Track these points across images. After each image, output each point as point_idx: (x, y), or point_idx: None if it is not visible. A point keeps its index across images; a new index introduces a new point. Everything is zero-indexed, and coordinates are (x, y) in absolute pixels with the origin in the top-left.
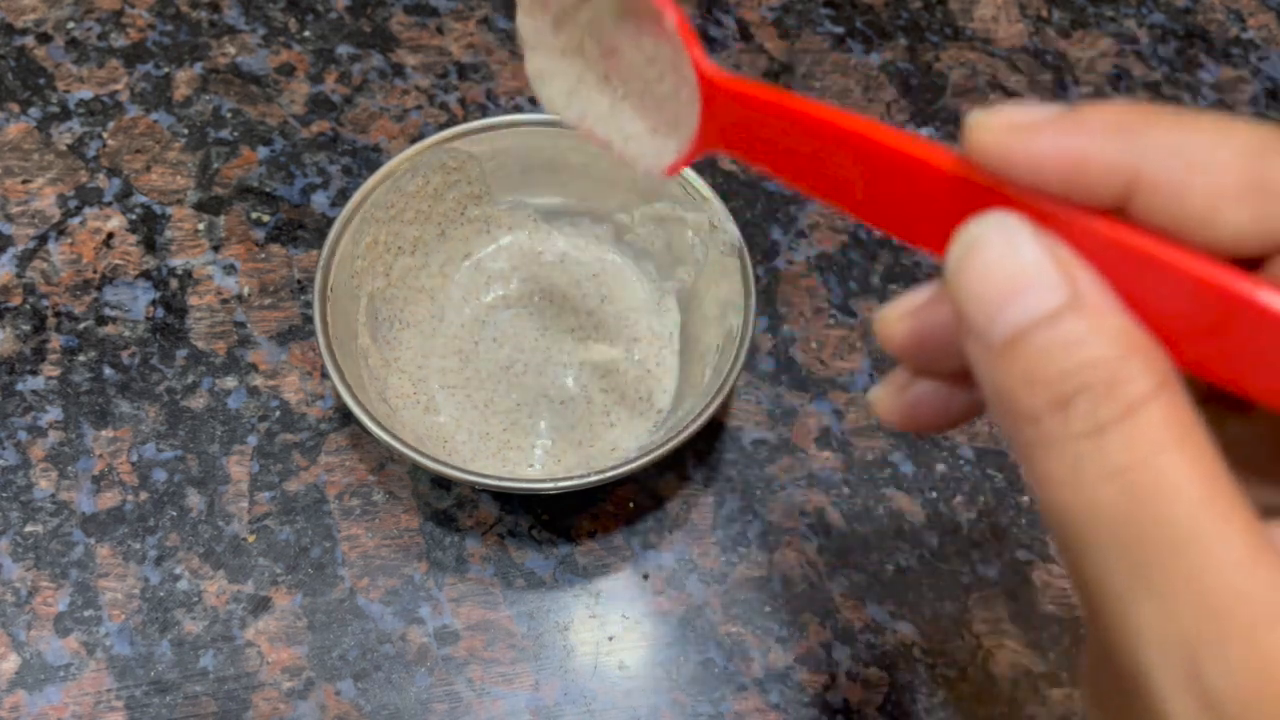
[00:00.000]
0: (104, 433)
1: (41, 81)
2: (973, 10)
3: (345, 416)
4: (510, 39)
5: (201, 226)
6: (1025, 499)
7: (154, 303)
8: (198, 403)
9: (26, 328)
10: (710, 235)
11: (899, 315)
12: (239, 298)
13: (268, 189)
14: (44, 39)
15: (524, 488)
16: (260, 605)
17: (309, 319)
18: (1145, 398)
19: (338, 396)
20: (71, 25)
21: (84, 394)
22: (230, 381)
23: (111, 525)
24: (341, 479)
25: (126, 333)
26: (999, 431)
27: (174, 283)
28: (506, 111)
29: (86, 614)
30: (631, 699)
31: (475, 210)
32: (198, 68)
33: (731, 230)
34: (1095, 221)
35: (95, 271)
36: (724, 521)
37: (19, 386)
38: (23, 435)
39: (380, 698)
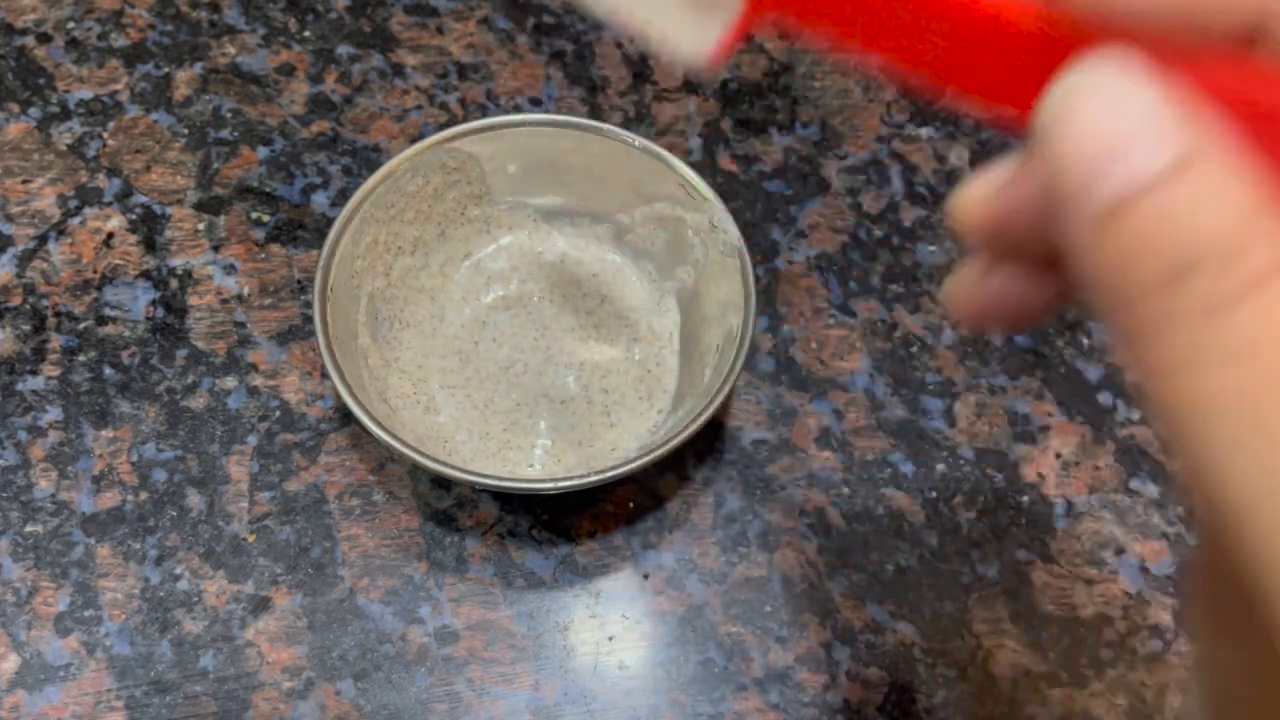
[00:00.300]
0: (104, 433)
1: (41, 81)
2: None
3: (345, 416)
4: (510, 39)
5: (201, 226)
6: (1025, 499)
7: (154, 303)
8: (198, 403)
9: (26, 328)
10: (710, 235)
11: (979, 195)
12: (239, 298)
13: (268, 189)
14: (44, 39)
15: (524, 488)
16: (260, 605)
17: (309, 319)
18: (1276, 269)
19: (338, 396)
20: (71, 25)
21: (84, 394)
22: (230, 381)
23: (111, 525)
24: (341, 479)
25: (126, 333)
26: (998, 432)
27: (174, 283)
28: (506, 111)
29: (86, 614)
30: (631, 699)
31: (475, 210)
32: (198, 68)
33: (731, 230)
34: (1217, 64)
35: (95, 271)
36: (724, 521)
37: (19, 386)
38: (23, 435)
39: (380, 698)
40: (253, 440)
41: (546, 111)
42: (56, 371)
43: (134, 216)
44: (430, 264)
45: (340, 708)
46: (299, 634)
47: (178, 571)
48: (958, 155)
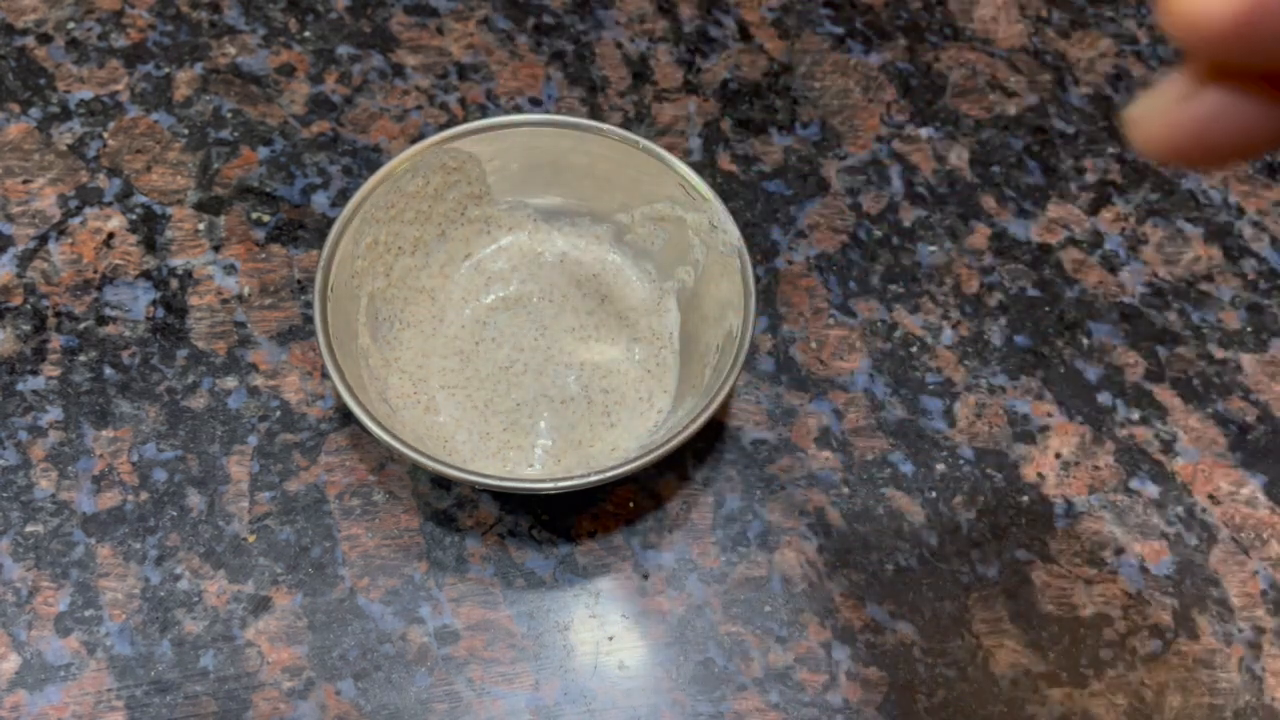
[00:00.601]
0: (104, 433)
1: (42, 82)
2: (972, 10)
3: (345, 416)
4: (510, 39)
5: (202, 226)
6: (1025, 499)
7: (154, 303)
8: (198, 403)
9: (27, 328)
10: (710, 235)
11: None
12: (239, 298)
13: (268, 189)
14: (44, 39)
15: (524, 488)
16: (260, 605)
17: (309, 319)
18: None
19: (338, 396)
20: (72, 25)
21: (84, 394)
22: (230, 381)
23: (112, 525)
24: (341, 479)
25: (127, 333)
26: (998, 432)
27: (174, 283)
28: (506, 111)
29: (87, 614)
30: (631, 699)
31: (475, 210)
32: (198, 68)
33: (731, 230)
34: None
35: (95, 271)
36: (724, 521)
37: (19, 386)
38: (23, 435)
39: (380, 698)
40: (253, 440)
41: (546, 111)
42: (57, 371)
43: (134, 216)
44: (430, 264)
45: (340, 708)
46: (299, 634)
47: (178, 571)
48: (958, 155)
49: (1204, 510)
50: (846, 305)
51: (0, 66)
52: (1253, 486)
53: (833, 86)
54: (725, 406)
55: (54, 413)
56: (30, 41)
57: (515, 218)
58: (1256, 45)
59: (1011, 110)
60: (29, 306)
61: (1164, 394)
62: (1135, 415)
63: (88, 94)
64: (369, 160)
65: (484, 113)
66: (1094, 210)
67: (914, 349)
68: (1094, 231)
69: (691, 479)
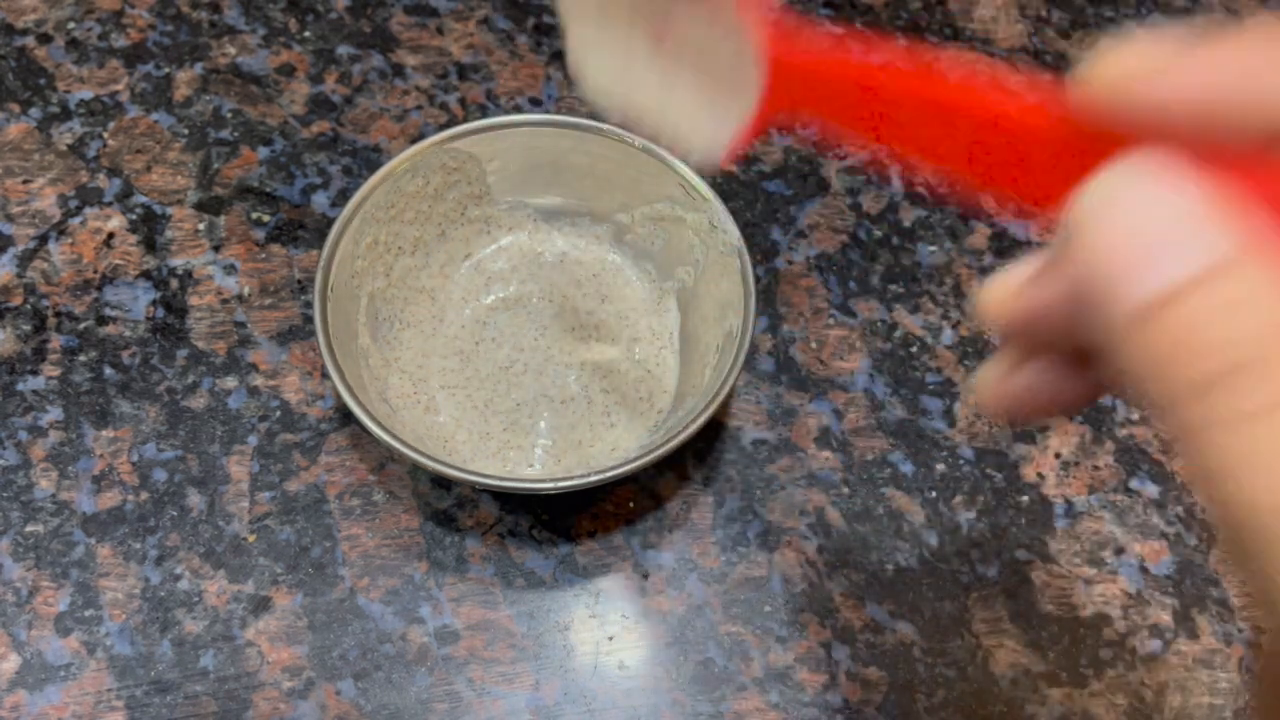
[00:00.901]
0: (104, 433)
1: (42, 82)
2: (972, 10)
3: (345, 416)
4: (510, 39)
5: (202, 226)
6: (1025, 499)
7: (154, 303)
8: (198, 403)
9: (27, 328)
10: (710, 235)
11: (1007, 290)
12: (239, 298)
13: (268, 189)
14: (44, 39)
15: (524, 488)
16: (260, 605)
17: (309, 319)
18: None
19: (338, 396)
20: (72, 25)
21: (84, 394)
22: (230, 381)
23: (112, 525)
24: (342, 479)
25: (127, 333)
26: (999, 431)
27: (174, 283)
28: (506, 111)
29: (87, 614)
30: (631, 699)
31: (475, 210)
32: (198, 68)
33: (731, 230)
34: (1246, 160)
35: (95, 271)
36: (724, 521)
37: (19, 386)
38: (23, 435)
39: (380, 697)
40: (253, 440)
41: (546, 111)
42: (57, 371)
43: (134, 216)
44: (430, 264)
45: (340, 708)
46: (299, 634)
47: (178, 571)
48: None
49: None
50: (846, 305)
51: (0, 66)
52: None
53: None
54: (725, 406)
55: (54, 413)
56: (30, 41)
57: (515, 218)
58: (1038, 336)
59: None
60: (29, 306)
61: None
62: (1135, 415)
63: (88, 94)
64: (369, 160)
65: (484, 113)
66: None
67: (914, 349)
68: None
69: (691, 479)
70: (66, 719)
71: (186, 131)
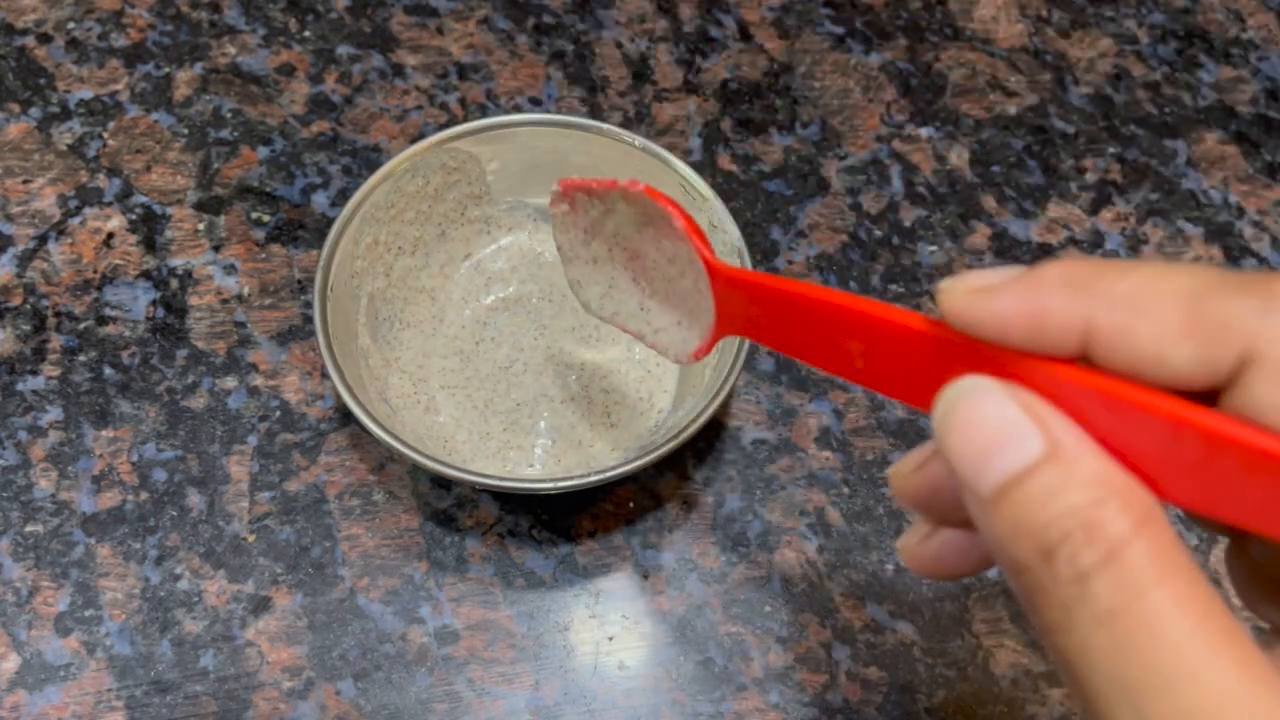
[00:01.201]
0: (104, 433)
1: (42, 81)
2: (973, 10)
3: (345, 416)
4: (510, 39)
5: (201, 226)
6: None
7: (154, 303)
8: (198, 403)
9: (27, 328)
10: (710, 235)
11: (908, 470)
12: (239, 298)
13: (268, 189)
14: (44, 39)
15: (524, 488)
16: (260, 605)
17: (309, 319)
18: (1125, 539)
19: (338, 396)
20: (72, 25)
21: (84, 394)
22: (230, 381)
23: (112, 525)
24: (341, 479)
25: (126, 333)
26: None
27: (174, 283)
28: (506, 111)
29: (87, 614)
30: (631, 699)
31: (475, 210)
32: (198, 68)
33: (732, 230)
34: (1065, 370)
35: (95, 271)
36: (724, 521)
37: (19, 386)
38: (23, 435)
39: (380, 698)
40: (253, 440)
41: (546, 111)
42: (56, 371)
43: (134, 216)
44: (430, 264)
45: (340, 708)
46: (299, 634)
47: (178, 571)
48: (958, 155)
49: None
50: None
51: (0, 66)
52: None
53: (833, 86)
54: (725, 406)
55: (54, 413)
56: (30, 41)
57: (515, 218)
58: (937, 509)
59: (1011, 110)
60: (29, 306)
61: None
62: None
63: (87, 94)
64: (369, 160)
65: (484, 113)
66: (1094, 210)
67: None
68: (1094, 231)
69: (691, 479)
70: (66, 719)
71: (186, 131)
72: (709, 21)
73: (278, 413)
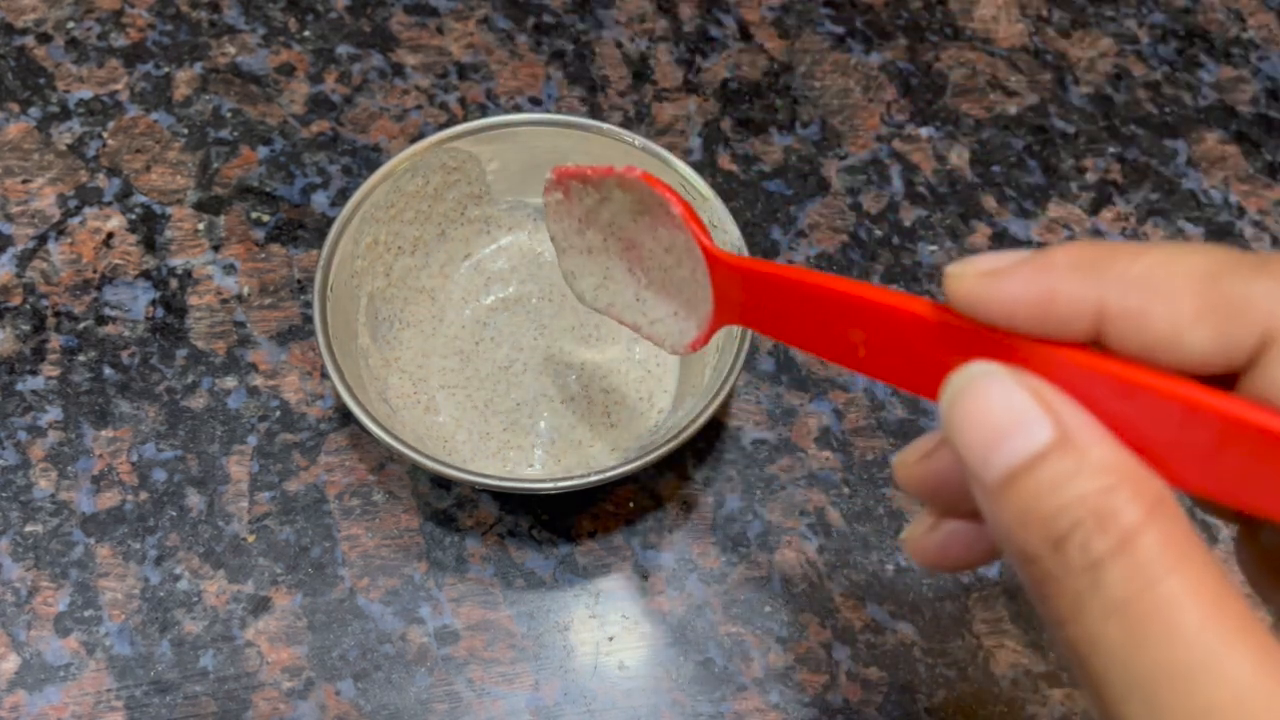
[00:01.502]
0: (104, 433)
1: (41, 81)
2: (973, 10)
3: (345, 416)
4: (510, 39)
5: (201, 226)
6: None
7: (154, 302)
8: (198, 403)
9: (26, 328)
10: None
11: (913, 460)
12: (239, 298)
13: (268, 189)
14: (44, 39)
15: (524, 488)
16: (260, 605)
17: (309, 319)
18: (1138, 527)
19: (338, 396)
20: (71, 25)
21: (84, 394)
22: (230, 381)
23: (111, 525)
24: (341, 479)
25: (126, 333)
26: None
27: (174, 282)
28: (506, 111)
29: (86, 614)
30: (631, 699)
31: (475, 210)
32: (198, 68)
33: (732, 230)
34: (1075, 355)
35: (95, 271)
36: (724, 521)
37: (19, 386)
38: (23, 435)
39: (380, 698)
40: (253, 440)
41: (546, 111)
42: (56, 371)
43: (134, 216)
44: (430, 264)
45: (340, 708)
46: (299, 634)
47: (178, 571)
48: (958, 155)
49: (1204, 510)
50: None
51: (0, 66)
52: None
53: (833, 86)
54: (725, 406)
55: (53, 413)
56: (30, 41)
57: (515, 218)
58: (943, 500)
59: (1012, 110)
60: (28, 306)
61: None
62: None
63: (87, 93)
64: (369, 160)
65: (484, 112)
66: (1095, 210)
67: None
68: (1095, 231)
69: (691, 479)
70: (66, 719)
71: (186, 131)
72: (709, 21)
73: (277, 413)
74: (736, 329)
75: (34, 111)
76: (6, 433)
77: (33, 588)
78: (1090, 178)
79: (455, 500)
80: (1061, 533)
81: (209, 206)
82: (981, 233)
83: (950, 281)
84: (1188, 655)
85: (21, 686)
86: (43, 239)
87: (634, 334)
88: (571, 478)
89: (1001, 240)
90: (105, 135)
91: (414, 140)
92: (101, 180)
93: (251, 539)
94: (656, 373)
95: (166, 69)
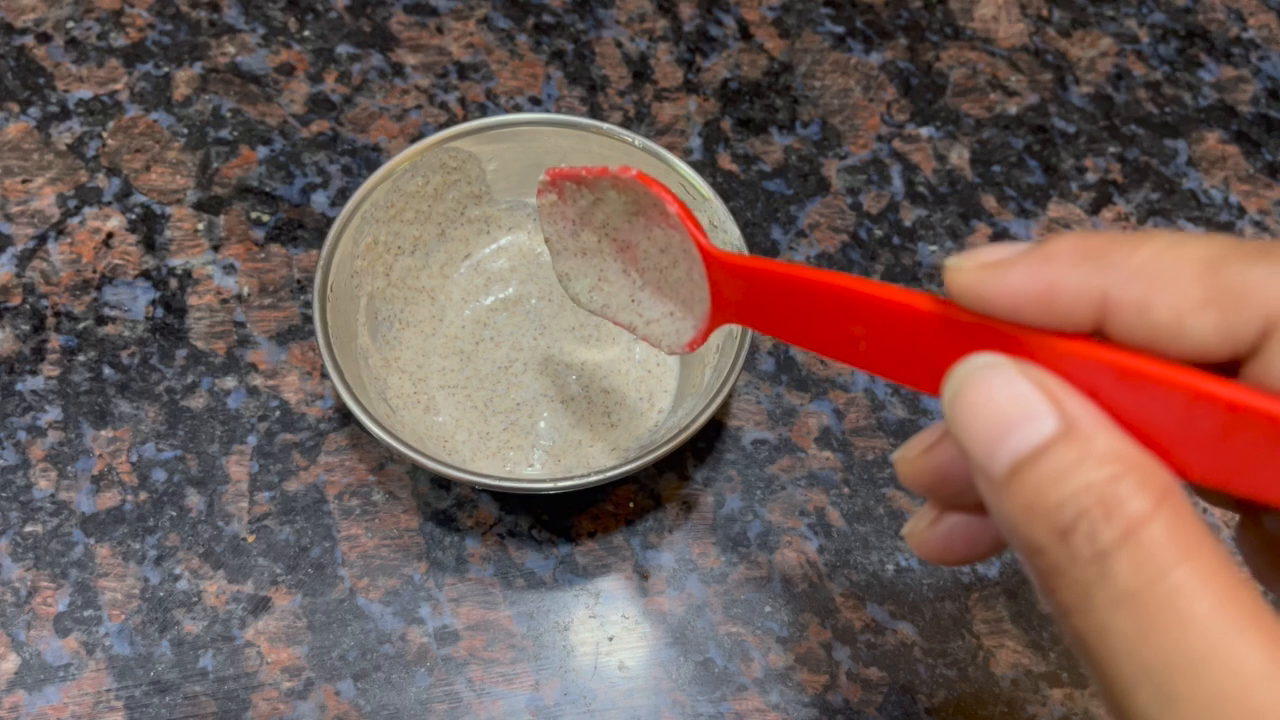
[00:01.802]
0: (104, 433)
1: (41, 81)
2: (973, 10)
3: (345, 416)
4: (510, 39)
5: (201, 226)
6: None
7: (154, 302)
8: (197, 403)
9: (26, 328)
10: (710, 235)
11: (916, 453)
12: (239, 298)
13: (267, 189)
14: (44, 39)
15: (524, 488)
16: (260, 605)
17: (309, 319)
18: (1145, 516)
19: (337, 396)
20: (71, 25)
21: (84, 394)
22: (230, 381)
23: (111, 525)
24: (341, 479)
25: (126, 333)
26: None
27: (174, 282)
28: (506, 111)
29: (86, 614)
30: (631, 699)
31: (475, 210)
32: (197, 67)
33: (732, 230)
34: (1078, 345)
35: (95, 271)
36: (724, 521)
37: (19, 386)
38: (22, 435)
39: (380, 698)
40: (252, 440)
41: (546, 111)
42: (56, 371)
43: (134, 216)
44: (430, 264)
45: (340, 708)
46: (299, 634)
47: (177, 571)
48: (958, 155)
49: (1204, 509)
50: None
51: (0, 66)
52: None
53: (833, 86)
54: (725, 406)
55: (53, 412)
56: (29, 41)
57: (515, 218)
58: (946, 493)
59: (1012, 110)
60: (28, 306)
61: None
62: None
63: (87, 93)
64: (368, 160)
65: (484, 112)
66: (1095, 210)
67: None
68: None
69: (691, 479)
70: (66, 719)
71: (186, 131)
72: (709, 21)
73: (277, 413)
74: (736, 329)
75: (34, 111)
76: (6, 433)
77: (32, 588)
78: (1090, 177)
79: (455, 500)
80: (1068, 523)
81: (209, 206)
82: (982, 233)
83: (951, 274)
84: (1198, 645)
85: (21, 687)
86: (42, 239)
87: (632, 337)
88: (571, 478)
89: (1002, 240)
90: (105, 135)
91: (414, 140)
92: (101, 180)
93: (251, 539)
94: (656, 373)
95: (166, 69)
